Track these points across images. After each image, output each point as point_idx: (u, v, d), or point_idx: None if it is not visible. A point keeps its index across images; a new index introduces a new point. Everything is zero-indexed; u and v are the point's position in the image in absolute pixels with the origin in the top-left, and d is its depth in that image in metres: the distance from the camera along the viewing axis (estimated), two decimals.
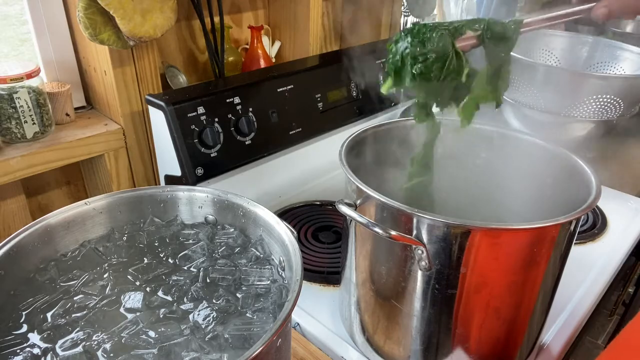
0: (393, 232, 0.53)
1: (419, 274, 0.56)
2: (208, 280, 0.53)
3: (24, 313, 0.48)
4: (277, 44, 1.17)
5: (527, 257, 0.54)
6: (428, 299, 0.57)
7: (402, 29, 1.52)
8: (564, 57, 1.22)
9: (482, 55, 0.61)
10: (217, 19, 0.97)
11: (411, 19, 1.59)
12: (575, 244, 0.72)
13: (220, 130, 0.86)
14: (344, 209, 0.58)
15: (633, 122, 1.04)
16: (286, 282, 0.53)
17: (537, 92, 1.00)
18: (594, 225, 0.97)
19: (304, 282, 0.77)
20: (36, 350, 0.44)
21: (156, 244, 0.58)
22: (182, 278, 0.53)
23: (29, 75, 0.79)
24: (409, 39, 0.58)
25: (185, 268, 0.55)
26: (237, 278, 0.54)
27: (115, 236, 0.58)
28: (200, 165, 0.84)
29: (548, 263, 0.56)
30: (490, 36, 0.59)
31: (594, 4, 0.59)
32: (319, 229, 0.92)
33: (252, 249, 0.58)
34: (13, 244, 0.50)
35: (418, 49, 0.57)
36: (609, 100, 0.95)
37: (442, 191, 0.75)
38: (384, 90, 0.62)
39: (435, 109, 0.63)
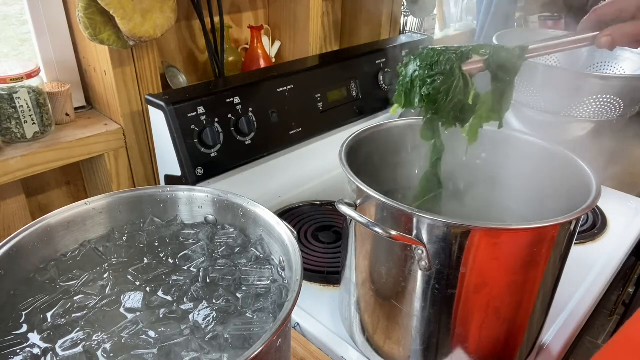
0: (393, 232, 0.53)
1: (419, 274, 0.56)
2: (208, 280, 0.53)
3: (24, 313, 0.48)
4: (277, 44, 1.17)
5: (527, 257, 0.54)
6: (428, 299, 0.57)
7: (402, 28, 1.52)
8: (564, 57, 1.22)
9: (487, 78, 0.63)
10: (217, 19, 0.97)
11: (411, 19, 1.60)
12: (575, 244, 0.72)
13: (220, 130, 0.86)
14: (344, 209, 0.58)
15: (633, 122, 1.04)
16: (286, 282, 0.53)
17: (537, 92, 1.00)
18: (594, 225, 0.97)
19: (304, 282, 0.77)
20: (36, 350, 0.44)
21: (156, 244, 0.58)
22: (182, 278, 0.53)
23: (29, 75, 0.79)
24: (418, 62, 0.61)
25: (185, 268, 0.55)
26: (237, 278, 0.54)
27: (115, 236, 0.58)
28: (200, 165, 0.84)
29: (548, 263, 0.56)
30: (495, 61, 0.61)
31: (598, 32, 0.60)
32: (319, 229, 0.92)
33: (252, 249, 0.58)
34: (13, 244, 0.50)
35: (426, 72, 0.60)
36: (609, 100, 0.95)
37: (442, 191, 0.75)
38: (393, 112, 0.65)
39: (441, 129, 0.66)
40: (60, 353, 0.44)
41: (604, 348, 0.41)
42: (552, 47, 0.63)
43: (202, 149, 0.84)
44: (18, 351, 0.44)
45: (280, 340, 0.45)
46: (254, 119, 0.91)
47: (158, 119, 0.83)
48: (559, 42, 0.62)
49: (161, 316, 0.48)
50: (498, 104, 0.63)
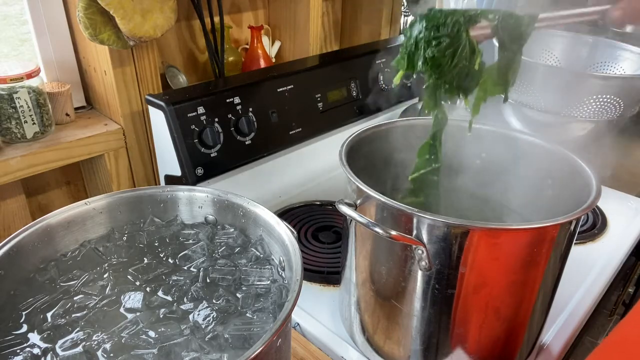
0: (393, 232, 0.53)
1: (419, 274, 0.56)
2: (208, 280, 0.53)
3: (24, 313, 0.48)
4: (277, 44, 1.17)
5: (527, 257, 0.54)
6: (428, 299, 0.57)
7: (402, 28, 1.52)
8: (564, 57, 1.22)
9: (494, 48, 0.61)
10: (217, 19, 0.97)
11: (411, 19, 1.59)
12: (575, 244, 0.72)
13: (220, 130, 0.86)
14: (344, 209, 0.58)
15: (633, 122, 1.04)
16: (286, 282, 0.53)
17: (537, 92, 1.00)
18: (594, 225, 0.97)
19: (304, 282, 0.77)
20: (36, 350, 0.44)
21: (156, 244, 0.58)
22: (182, 278, 0.53)
23: (29, 75, 0.79)
24: (424, 23, 0.58)
25: (185, 268, 0.55)
26: (237, 278, 0.54)
27: (115, 236, 0.58)
28: (200, 165, 0.84)
29: (548, 263, 0.56)
30: (504, 28, 0.59)
31: (609, 5, 0.59)
32: (319, 229, 0.92)
33: (252, 249, 0.58)
34: (13, 244, 0.50)
35: (432, 33, 0.57)
36: (609, 100, 0.95)
37: (442, 191, 0.75)
38: (396, 80, 0.62)
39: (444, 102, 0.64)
40: (60, 353, 0.44)
41: (599, 347, 0.41)
42: (562, 17, 0.61)
43: (202, 149, 0.84)
44: (18, 351, 0.44)
45: (280, 340, 0.45)
46: (254, 119, 0.90)
47: (158, 119, 0.83)
48: (569, 14, 0.61)
49: (161, 316, 0.48)
50: (504, 75, 0.61)
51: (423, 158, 0.68)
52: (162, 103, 0.81)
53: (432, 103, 0.63)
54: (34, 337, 0.46)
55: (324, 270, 0.82)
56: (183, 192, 0.61)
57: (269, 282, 0.53)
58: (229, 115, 0.87)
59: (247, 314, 0.49)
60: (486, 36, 0.60)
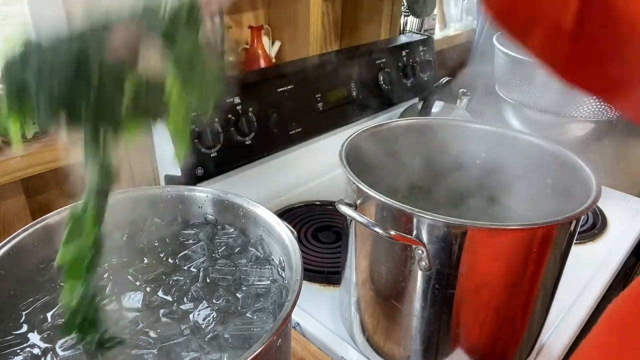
0: (393, 232, 0.53)
1: (419, 274, 0.56)
2: (208, 280, 0.53)
3: (24, 313, 0.48)
4: (277, 44, 1.17)
5: (527, 257, 0.54)
6: (428, 299, 0.57)
7: (402, 28, 1.52)
8: None
9: None
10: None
11: (411, 19, 1.59)
12: (575, 244, 0.71)
13: (220, 130, 0.86)
14: (344, 209, 0.58)
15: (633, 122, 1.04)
16: (286, 282, 0.53)
17: (537, 92, 1.00)
18: (594, 225, 0.97)
19: (304, 282, 0.77)
20: (36, 350, 0.44)
21: (156, 244, 0.58)
22: (182, 278, 0.53)
23: None
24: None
25: (185, 268, 0.55)
26: (237, 278, 0.54)
27: (115, 236, 0.58)
28: (200, 165, 0.84)
29: (548, 263, 0.56)
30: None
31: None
32: (319, 229, 0.92)
33: (252, 249, 0.58)
34: (13, 244, 0.50)
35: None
36: None
37: (442, 191, 0.75)
38: None
39: None
40: (60, 353, 0.44)
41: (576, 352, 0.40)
42: None
43: (202, 149, 0.84)
44: (18, 351, 0.44)
45: (280, 340, 0.45)
46: (254, 119, 0.90)
47: None
48: None
49: (161, 316, 0.48)
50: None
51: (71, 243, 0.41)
52: None
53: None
54: (34, 337, 0.46)
55: (324, 270, 0.82)
56: (183, 192, 0.61)
57: (269, 282, 0.53)
58: (229, 115, 0.87)
59: (247, 314, 0.49)
60: None
